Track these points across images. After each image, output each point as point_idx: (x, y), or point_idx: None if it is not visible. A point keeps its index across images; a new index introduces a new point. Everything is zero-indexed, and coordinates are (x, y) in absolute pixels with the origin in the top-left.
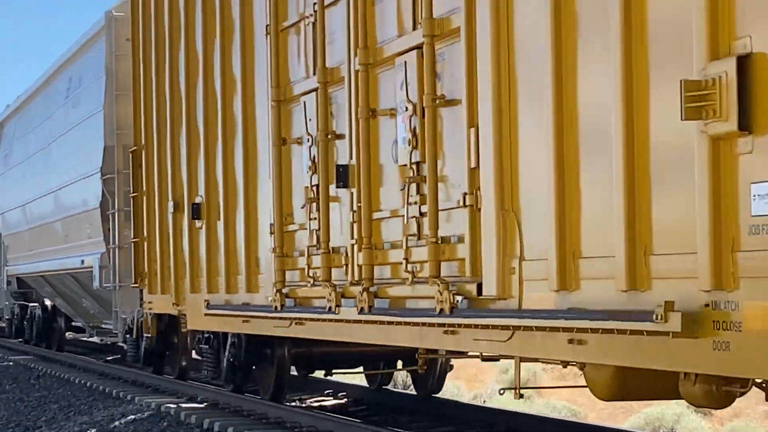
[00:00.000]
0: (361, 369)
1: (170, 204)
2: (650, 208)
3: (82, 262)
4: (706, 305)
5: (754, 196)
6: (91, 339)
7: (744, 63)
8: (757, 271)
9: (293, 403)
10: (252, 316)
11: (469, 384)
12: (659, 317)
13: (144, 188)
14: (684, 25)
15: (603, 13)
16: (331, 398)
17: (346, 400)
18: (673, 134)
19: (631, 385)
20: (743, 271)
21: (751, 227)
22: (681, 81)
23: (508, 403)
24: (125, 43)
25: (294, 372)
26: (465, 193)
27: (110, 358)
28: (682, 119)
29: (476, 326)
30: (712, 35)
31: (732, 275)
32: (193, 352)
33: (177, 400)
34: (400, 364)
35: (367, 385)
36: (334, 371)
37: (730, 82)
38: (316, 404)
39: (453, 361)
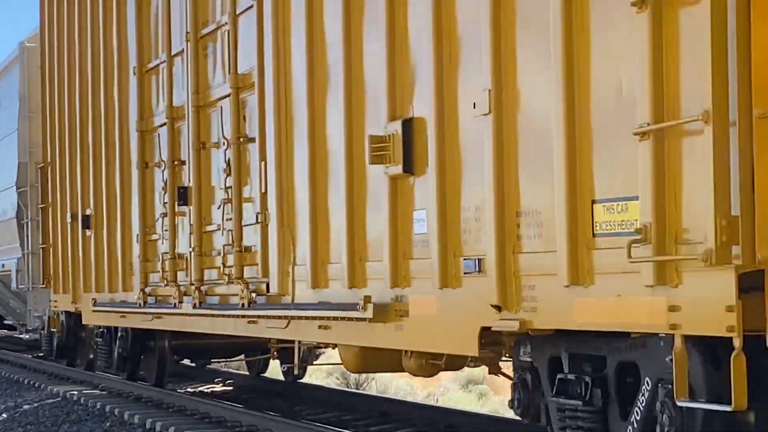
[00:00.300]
0: (233, 358)
1: (68, 215)
2: (365, 227)
3: (2, 266)
4: (392, 299)
5: (415, 220)
6: (21, 335)
7: (408, 124)
8: (418, 273)
9: (180, 390)
10: (127, 312)
11: (425, 382)
12: (360, 308)
13: (50, 201)
14: (380, 91)
15: (336, 81)
16: (216, 385)
17: (222, 386)
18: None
19: (369, 360)
20: (412, 274)
21: (415, 242)
22: (368, 135)
23: (461, 399)
24: (37, 71)
25: (191, 363)
26: (258, 213)
27: (38, 354)
28: (369, 164)
29: (266, 317)
30: (391, 102)
31: (404, 277)
32: None
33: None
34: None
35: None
36: (213, 360)
37: (399, 138)
38: (208, 390)
39: None
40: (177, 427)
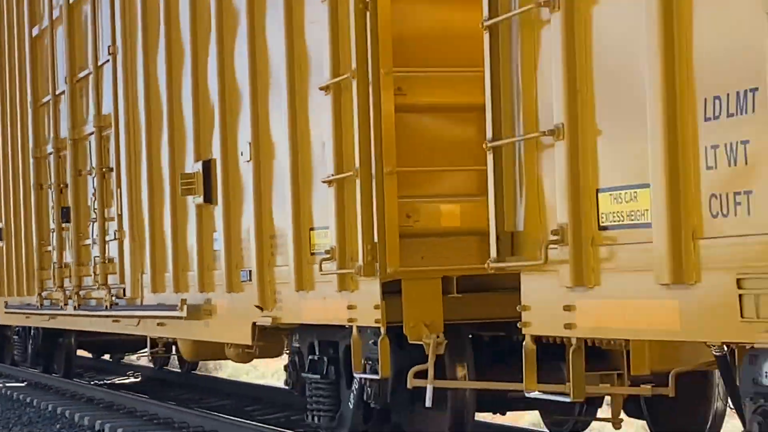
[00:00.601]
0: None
1: None
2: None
3: None
4: (203, 301)
5: (214, 239)
6: None
7: (207, 165)
8: (218, 281)
9: (93, 381)
10: (29, 313)
11: None
12: (179, 308)
13: None
14: (185, 140)
15: (165, 126)
16: (127, 377)
17: (131, 378)
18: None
19: (200, 350)
20: (215, 281)
21: (215, 256)
22: (179, 173)
23: None
24: None
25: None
26: (116, 230)
27: None
28: (181, 195)
29: (123, 317)
30: (196, 146)
31: (209, 284)
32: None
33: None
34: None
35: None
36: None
37: (200, 176)
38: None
39: None
40: (125, 428)
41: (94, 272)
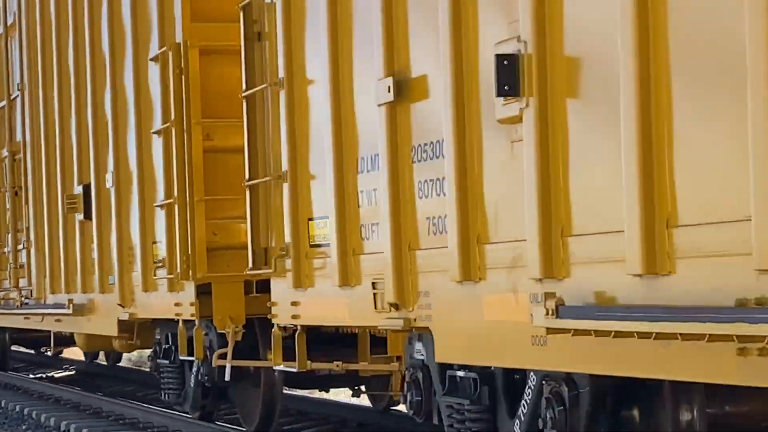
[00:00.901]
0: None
1: None
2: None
3: None
4: (87, 300)
5: (92, 249)
6: None
7: (87, 188)
8: (96, 284)
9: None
10: None
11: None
12: (66, 306)
13: None
14: (72, 166)
15: (58, 153)
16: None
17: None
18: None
19: (92, 342)
20: (94, 284)
21: (93, 263)
22: (64, 195)
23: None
24: None
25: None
26: (24, 240)
27: None
28: (64, 213)
29: (31, 314)
30: (79, 171)
31: (90, 286)
32: None
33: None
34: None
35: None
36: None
37: (81, 197)
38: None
39: None
40: (91, 429)
41: (9, 276)
